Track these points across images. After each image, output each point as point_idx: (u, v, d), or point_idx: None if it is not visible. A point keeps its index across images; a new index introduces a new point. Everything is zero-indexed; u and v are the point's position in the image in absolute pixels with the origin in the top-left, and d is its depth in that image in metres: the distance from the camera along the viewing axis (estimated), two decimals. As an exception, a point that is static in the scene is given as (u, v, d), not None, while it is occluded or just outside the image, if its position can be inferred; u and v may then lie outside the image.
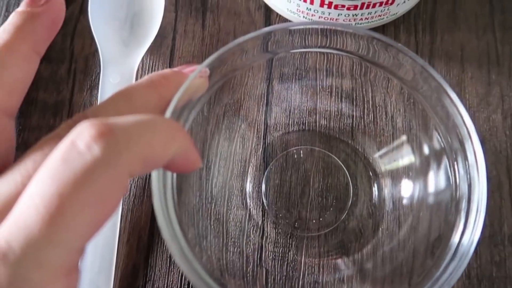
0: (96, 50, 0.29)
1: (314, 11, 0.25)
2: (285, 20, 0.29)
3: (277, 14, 0.29)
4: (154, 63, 0.28)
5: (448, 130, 0.21)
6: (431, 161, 0.23)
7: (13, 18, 0.19)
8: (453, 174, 0.20)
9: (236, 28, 0.29)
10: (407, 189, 0.24)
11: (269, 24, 0.29)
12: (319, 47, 0.23)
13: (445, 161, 0.21)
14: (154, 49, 0.29)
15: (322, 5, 0.24)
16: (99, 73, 0.28)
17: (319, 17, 0.26)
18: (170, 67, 0.28)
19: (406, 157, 0.24)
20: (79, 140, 0.13)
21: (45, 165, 0.13)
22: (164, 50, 0.29)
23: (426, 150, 0.24)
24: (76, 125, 0.14)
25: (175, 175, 0.20)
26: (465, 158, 0.20)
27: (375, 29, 0.28)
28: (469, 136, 0.19)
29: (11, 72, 0.18)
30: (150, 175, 0.26)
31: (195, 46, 0.29)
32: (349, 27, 0.21)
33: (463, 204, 0.19)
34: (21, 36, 0.18)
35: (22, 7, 0.19)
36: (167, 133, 0.15)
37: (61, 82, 0.28)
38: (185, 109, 0.21)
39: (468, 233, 0.18)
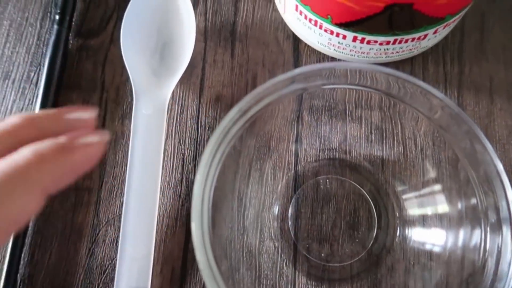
0: (127, 79, 0.29)
1: (345, 45, 0.25)
2: (314, 50, 0.29)
3: (305, 44, 0.29)
4: (184, 93, 0.29)
5: (479, 176, 0.21)
6: (460, 205, 0.23)
7: (45, 147, 0.17)
8: (483, 226, 0.20)
9: (264, 57, 0.29)
10: (433, 233, 0.24)
11: (298, 54, 0.29)
12: (348, 84, 0.23)
13: (476, 208, 0.21)
14: (184, 78, 0.29)
15: (354, 40, 0.25)
16: (130, 102, 0.29)
17: (350, 51, 0.26)
18: (200, 97, 0.29)
19: (436, 199, 0.24)
20: None
21: None
22: (194, 79, 0.29)
23: (454, 191, 0.24)
24: None
25: (210, 208, 0.20)
26: (496, 208, 0.20)
27: (404, 60, 0.28)
28: (503, 188, 0.19)
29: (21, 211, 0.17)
30: (184, 206, 0.27)
31: (224, 76, 0.29)
32: (379, 68, 0.21)
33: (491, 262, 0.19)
34: (46, 175, 0.17)
35: (63, 139, 0.18)
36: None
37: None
38: (220, 144, 0.21)
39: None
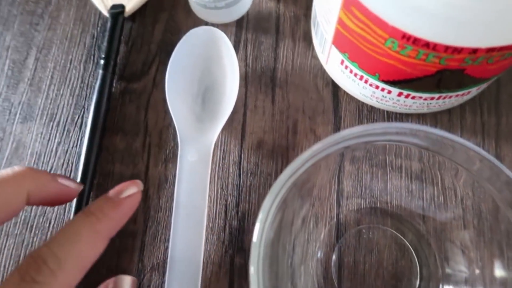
0: (170, 123, 0.30)
1: (389, 98, 0.26)
2: (353, 98, 0.30)
3: (345, 91, 0.30)
4: (226, 138, 0.29)
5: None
6: (503, 259, 0.23)
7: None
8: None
9: (304, 104, 0.30)
10: None
11: (337, 102, 0.30)
12: (388, 141, 0.24)
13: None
14: (226, 124, 0.29)
15: (399, 95, 0.25)
16: (173, 147, 0.30)
17: (393, 103, 0.27)
18: (242, 142, 0.29)
19: (477, 251, 0.25)
20: None
21: None
22: (236, 125, 0.30)
23: (495, 243, 0.24)
24: None
25: (265, 258, 0.21)
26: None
27: (442, 110, 0.29)
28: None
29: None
30: (228, 253, 0.27)
31: (265, 122, 0.30)
32: (419, 128, 0.22)
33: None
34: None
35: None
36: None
37: (136, 155, 0.29)
38: (272, 205, 0.22)
39: None
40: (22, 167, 0.22)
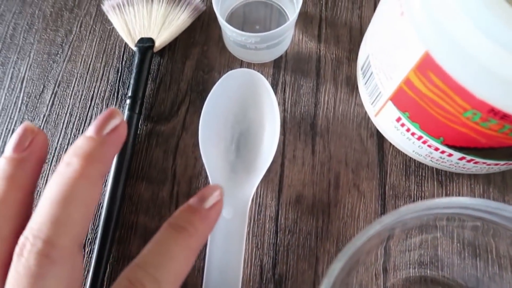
0: (201, 171, 0.27)
1: (447, 160, 0.24)
2: (399, 152, 0.27)
3: (390, 144, 0.28)
4: (262, 191, 0.27)
5: None
6: None
7: (84, 144, 0.19)
8: None
9: (347, 156, 0.28)
10: None
11: (382, 155, 0.28)
12: (443, 214, 0.22)
13: None
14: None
15: (461, 159, 0.23)
16: (204, 198, 0.27)
17: (450, 165, 0.25)
18: (279, 196, 0.27)
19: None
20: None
21: None
22: (272, 176, 0.27)
23: None
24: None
25: None
26: None
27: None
28: None
29: (86, 204, 0.19)
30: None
31: (305, 174, 0.27)
32: (473, 202, 0.20)
33: None
34: (96, 163, 0.19)
35: (90, 132, 0.20)
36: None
37: (162, 206, 0.27)
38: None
39: None
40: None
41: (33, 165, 0.20)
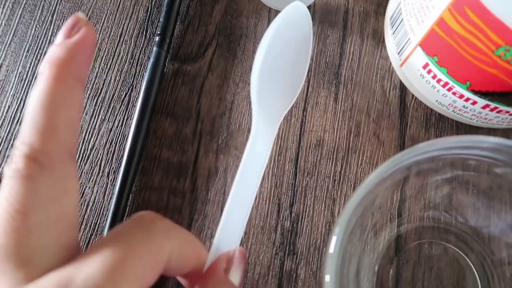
0: (224, 112, 0.28)
1: (470, 109, 0.24)
2: (421, 104, 0.28)
3: (413, 95, 0.28)
4: (284, 133, 0.28)
5: None
6: None
7: (53, 52, 0.18)
8: None
9: (369, 106, 0.28)
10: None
11: (404, 107, 0.28)
12: (458, 155, 0.22)
13: None
14: (284, 118, 0.28)
15: (484, 107, 0.24)
16: (226, 137, 0.28)
17: (472, 115, 0.25)
18: (300, 139, 0.27)
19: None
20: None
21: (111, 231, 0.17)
22: (294, 120, 0.28)
23: None
24: None
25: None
26: None
27: None
28: None
29: (67, 108, 0.18)
30: (278, 255, 0.25)
31: (326, 120, 0.28)
32: (493, 140, 0.20)
33: None
34: (67, 67, 0.18)
35: (58, 40, 0.19)
36: (199, 249, 0.19)
37: (186, 142, 0.27)
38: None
39: None
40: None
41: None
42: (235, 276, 0.20)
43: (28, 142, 0.16)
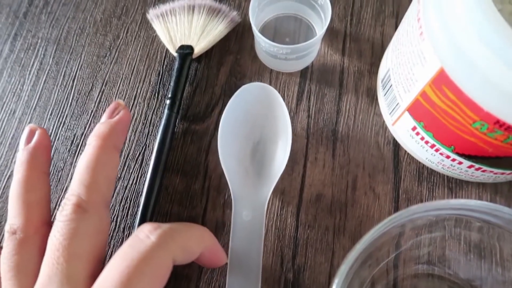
0: (230, 168, 0.30)
1: (457, 168, 0.26)
2: (413, 159, 0.30)
3: (405, 151, 0.30)
4: (286, 188, 0.30)
5: None
6: None
7: (98, 127, 0.25)
8: None
9: (365, 160, 0.30)
10: None
11: (397, 161, 0.30)
12: (451, 214, 0.24)
13: None
14: (285, 174, 0.30)
15: (470, 167, 0.25)
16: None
17: (460, 172, 0.27)
18: (301, 194, 0.29)
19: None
20: (140, 233, 0.21)
21: (116, 252, 0.21)
22: (295, 175, 0.30)
23: None
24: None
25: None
26: None
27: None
28: None
29: (106, 169, 0.24)
30: None
31: (325, 175, 0.30)
32: (479, 205, 0.22)
33: None
34: (109, 139, 0.24)
35: (103, 119, 0.26)
36: (199, 233, 0.24)
37: (194, 197, 0.30)
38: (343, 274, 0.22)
39: None
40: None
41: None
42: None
43: (76, 193, 0.22)
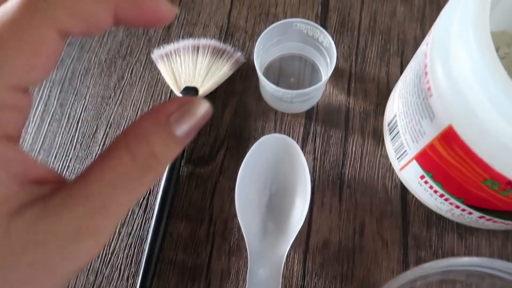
0: (236, 214, 0.30)
1: (466, 217, 0.26)
2: (421, 204, 0.29)
3: (413, 196, 0.30)
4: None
5: None
6: None
7: None
8: None
9: (372, 205, 0.30)
10: None
11: (406, 206, 0.30)
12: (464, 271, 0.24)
13: None
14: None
15: (480, 218, 0.25)
16: (238, 238, 0.29)
17: (469, 221, 0.26)
18: (307, 240, 0.29)
19: None
20: None
21: None
22: (304, 224, 0.29)
23: None
24: None
25: None
26: None
27: None
28: None
29: None
30: None
31: (332, 221, 0.29)
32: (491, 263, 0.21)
33: None
34: None
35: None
36: None
37: (200, 244, 0.29)
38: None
39: None
40: None
41: None
42: (181, 126, 0.17)
43: None
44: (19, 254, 0.15)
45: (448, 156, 0.22)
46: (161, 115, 0.17)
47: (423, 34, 0.35)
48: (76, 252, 0.15)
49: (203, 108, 0.17)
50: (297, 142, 0.31)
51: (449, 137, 0.21)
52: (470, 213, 0.25)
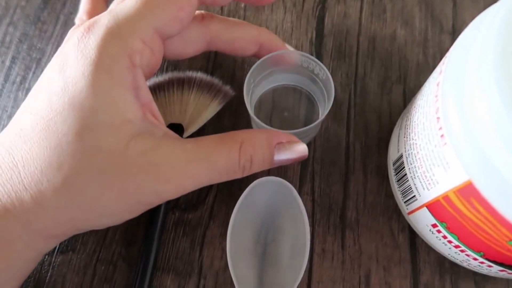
0: (227, 265, 0.27)
1: (485, 268, 0.23)
2: (432, 248, 0.27)
3: (422, 240, 0.27)
4: (290, 287, 0.26)
5: None
6: None
7: None
8: None
9: (378, 251, 0.27)
10: None
11: (415, 251, 0.27)
12: None
13: None
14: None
15: (501, 271, 0.22)
16: (230, 294, 0.26)
17: (488, 272, 0.24)
18: (308, 293, 0.26)
19: None
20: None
21: None
22: (304, 274, 0.27)
23: None
24: None
25: None
26: None
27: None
28: None
29: None
30: None
31: (334, 270, 0.27)
32: None
33: None
34: None
35: None
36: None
37: (189, 301, 0.26)
38: None
39: None
40: None
41: None
42: (279, 155, 0.22)
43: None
44: (127, 172, 0.18)
45: (467, 211, 0.19)
46: (274, 139, 0.22)
47: (426, 59, 0.32)
48: (160, 190, 0.20)
49: (302, 152, 0.23)
50: (294, 181, 0.29)
51: (468, 192, 0.18)
52: (489, 266, 0.22)
